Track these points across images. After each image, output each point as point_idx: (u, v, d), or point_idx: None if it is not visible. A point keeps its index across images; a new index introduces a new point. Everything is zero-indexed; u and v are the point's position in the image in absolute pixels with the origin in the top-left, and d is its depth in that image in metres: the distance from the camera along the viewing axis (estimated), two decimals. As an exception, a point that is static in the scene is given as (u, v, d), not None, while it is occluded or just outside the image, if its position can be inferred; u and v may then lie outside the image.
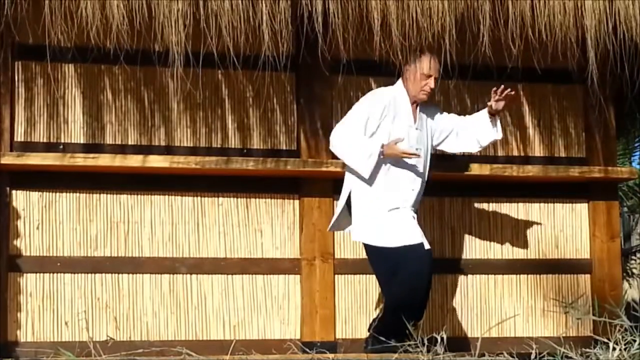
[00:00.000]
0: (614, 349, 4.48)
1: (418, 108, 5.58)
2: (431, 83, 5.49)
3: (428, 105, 5.69)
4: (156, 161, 5.80)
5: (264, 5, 5.32)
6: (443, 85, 6.21)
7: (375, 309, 6.09)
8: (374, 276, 6.14)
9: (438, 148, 5.79)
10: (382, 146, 5.33)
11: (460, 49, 5.61)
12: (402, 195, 5.42)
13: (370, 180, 5.39)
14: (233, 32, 5.30)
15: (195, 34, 5.34)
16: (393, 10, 5.45)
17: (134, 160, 5.78)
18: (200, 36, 5.33)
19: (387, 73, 5.99)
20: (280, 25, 5.32)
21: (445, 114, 5.82)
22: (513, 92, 5.63)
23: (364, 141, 5.38)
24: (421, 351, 4.79)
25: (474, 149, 5.77)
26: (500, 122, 5.74)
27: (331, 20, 5.41)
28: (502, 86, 5.59)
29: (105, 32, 5.28)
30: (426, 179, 5.61)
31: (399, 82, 5.59)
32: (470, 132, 5.71)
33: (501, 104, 5.60)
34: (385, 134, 5.41)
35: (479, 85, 6.40)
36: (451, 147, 5.77)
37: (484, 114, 5.68)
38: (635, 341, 4.49)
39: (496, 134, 5.67)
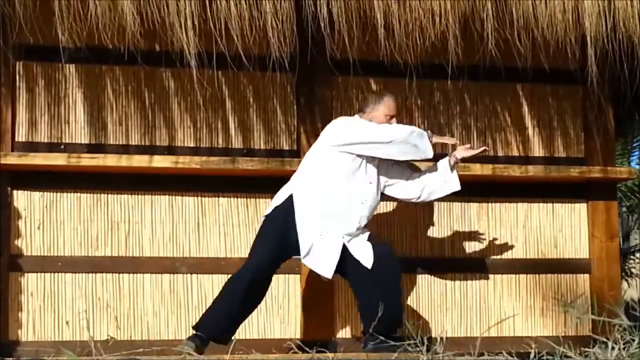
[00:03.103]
0: (612, 348, 4.49)
1: None
2: (394, 122, 5.58)
3: None
4: (157, 161, 5.81)
5: (267, 6, 5.33)
6: (443, 85, 6.24)
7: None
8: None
9: (384, 191, 5.67)
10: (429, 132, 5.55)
11: (462, 50, 5.62)
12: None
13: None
14: (235, 33, 5.31)
15: (198, 34, 5.35)
16: (395, 10, 5.47)
17: (135, 161, 5.79)
18: (202, 37, 5.34)
19: (388, 73, 6.01)
20: (283, 26, 5.34)
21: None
22: (487, 150, 5.79)
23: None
24: (421, 351, 4.80)
25: (412, 199, 5.68)
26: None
27: (335, 20, 5.43)
28: (483, 148, 5.72)
29: (106, 33, 5.29)
30: (371, 214, 5.57)
31: (358, 118, 5.61)
32: (419, 183, 5.65)
33: (470, 154, 5.65)
34: (349, 158, 5.45)
35: (479, 85, 6.42)
36: (394, 193, 5.68)
37: (446, 165, 5.63)
38: (634, 340, 4.50)
39: (458, 185, 5.67)
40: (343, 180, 5.41)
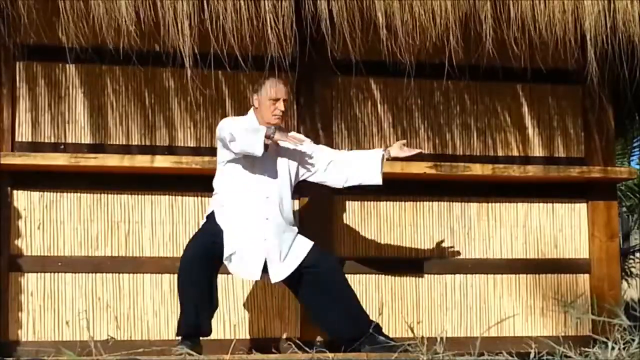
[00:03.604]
0: (612, 348, 4.49)
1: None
2: (280, 106, 5.39)
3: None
4: (159, 162, 5.81)
5: (267, 6, 5.34)
6: (443, 85, 6.24)
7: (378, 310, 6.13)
8: (373, 276, 6.20)
9: (306, 179, 5.56)
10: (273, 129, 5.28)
11: (462, 50, 5.62)
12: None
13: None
14: (235, 33, 5.31)
15: (198, 34, 5.35)
16: (397, 10, 5.47)
17: (137, 161, 5.79)
18: (202, 37, 5.35)
19: (388, 73, 6.01)
20: (283, 26, 5.34)
21: (316, 147, 5.58)
22: (421, 151, 5.67)
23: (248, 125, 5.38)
24: (421, 351, 4.80)
25: (338, 185, 5.56)
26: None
27: (335, 20, 5.43)
28: (418, 150, 5.61)
29: (107, 32, 5.30)
30: (288, 205, 5.44)
31: (251, 112, 5.51)
32: (344, 169, 5.49)
33: (404, 155, 5.52)
34: (239, 159, 5.36)
35: (479, 85, 6.43)
36: (317, 179, 5.55)
37: (376, 156, 5.48)
38: (634, 340, 4.50)
39: (379, 179, 5.48)
40: (240, 182, 5.35)
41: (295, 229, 5.46)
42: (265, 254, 5.31)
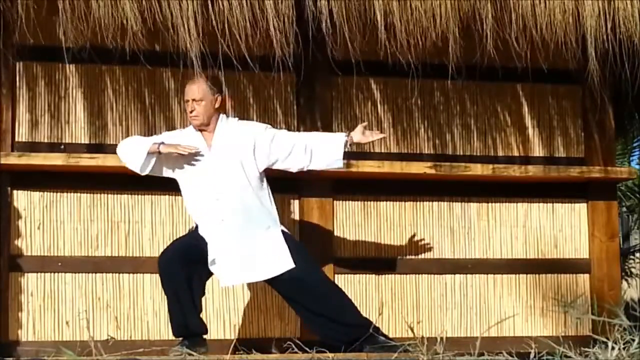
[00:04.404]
0: (612, 348, 4.49)
1: (216, 133, 5.36)
2: (189, 107, 5.34)
3: (241, 128, 5.43)
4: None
5: (267, 6, 5.33)
6: (444, 85, 6.24)
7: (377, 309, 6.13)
8: (374, 276, 6.20)
9: (271, 167, 5.44)
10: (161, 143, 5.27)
11: (462, 50, 5.62)
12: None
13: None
14: (235, 33, 5.31)
15: (198, 34, 5.35)
16: (396, 10, 5.47)
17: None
18: (202, 37, 5.34)
19: (389, 73, 6.01)
20: (283, 26, 5.33)
21: (276, 134, 5.42)
22: (384, 136, 5.60)
23: (144, 138, 5.41)
24: (421, 351, 4.80)
25: (302, 168, 5.42)
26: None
27: (335, 21, 5.43)
28: (383, 135, 5.54)
29: (107, 33, 5.29)
30: (250, 202, 5.34)
31: None
32: (308, 153, 5.36)
33: (367, 140, 5.42)
34: (181, 167, 5.37)
35: (479, 85, 6.43)
36: (282, 166, 5.42)
37: (339, 140, 5.36)
38: (634, 340, 4.50)
39: (340, 163, 5.38)
40: (190, 188, 5.35)
41: (271, 228, 5.35)
42: (232, 256, 5.26)
